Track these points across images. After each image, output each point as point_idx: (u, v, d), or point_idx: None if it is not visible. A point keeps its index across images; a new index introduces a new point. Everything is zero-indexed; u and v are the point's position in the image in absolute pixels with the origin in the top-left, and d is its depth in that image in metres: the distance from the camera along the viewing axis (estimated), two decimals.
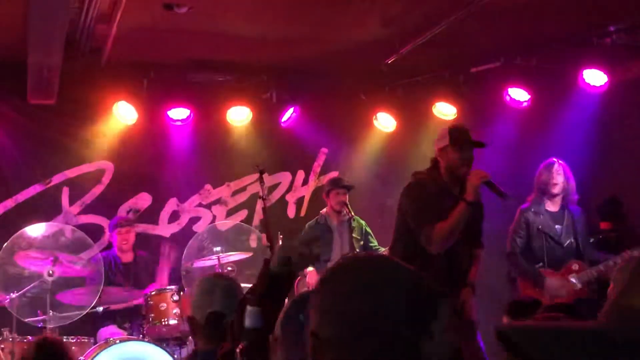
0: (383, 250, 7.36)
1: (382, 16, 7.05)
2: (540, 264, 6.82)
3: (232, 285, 3.45)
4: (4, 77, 7.69)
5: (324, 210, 7.64)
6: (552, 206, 6.93)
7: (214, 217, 8.57)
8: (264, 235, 6.46)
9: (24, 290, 6.67)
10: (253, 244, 8.15)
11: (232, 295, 3.30)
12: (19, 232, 6.99)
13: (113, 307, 7.13)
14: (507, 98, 8.58)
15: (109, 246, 7.78)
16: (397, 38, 7.52)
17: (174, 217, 8.45)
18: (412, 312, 1.65)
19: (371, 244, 7.54)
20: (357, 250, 7.17)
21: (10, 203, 7.88)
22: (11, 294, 6.59)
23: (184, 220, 8.47)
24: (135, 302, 7.04)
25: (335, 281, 1.72)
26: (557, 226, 6.87)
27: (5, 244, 6.87)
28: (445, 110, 8.78)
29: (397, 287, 1.67)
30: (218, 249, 7.36)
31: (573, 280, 6.70)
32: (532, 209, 6.92)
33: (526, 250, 6.90)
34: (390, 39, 7.53)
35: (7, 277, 6.84)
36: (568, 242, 6.86)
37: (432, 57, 8.09)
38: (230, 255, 7.30)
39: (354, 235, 7.18)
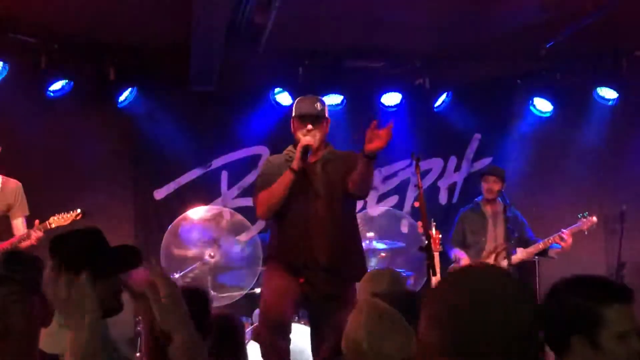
0: (541, 242, 7.18)
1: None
2: None
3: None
4: (167, 66, 7.99)
5: (480, 198, 7.52)
6: None
7: (365, 202, 8.62)
8: (419, 223, 6.44)
9: (186, 270, 6.98)
10: (404, 229, 8.15)
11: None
12: (182, 214, 7.31)
13: None
14: None
15: (266, 229, 7.98)
16: (557, 21, 7.27)
17: None
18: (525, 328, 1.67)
19: (527, 235, 7.35)
20: (512, 241, 7.01)
21: (173, 186, 8.24)
22: (174, 274, 6.91)
23: None
24: None
25: (447, 292, 1.75)
26: None
27: (170, 226, 7.21)
28: (606, 95, 8.44)
29: (508, 301, 1.70)
30: (371, 234, 7.40)
31: None
32: None
33: None
34: (549, 23, 7.30)
35: (171, 258, 7.17)
36: None
37: (594, 40, 7.76)
38: (383, 241, 7.34)
39: (508, 225, 7.03)
